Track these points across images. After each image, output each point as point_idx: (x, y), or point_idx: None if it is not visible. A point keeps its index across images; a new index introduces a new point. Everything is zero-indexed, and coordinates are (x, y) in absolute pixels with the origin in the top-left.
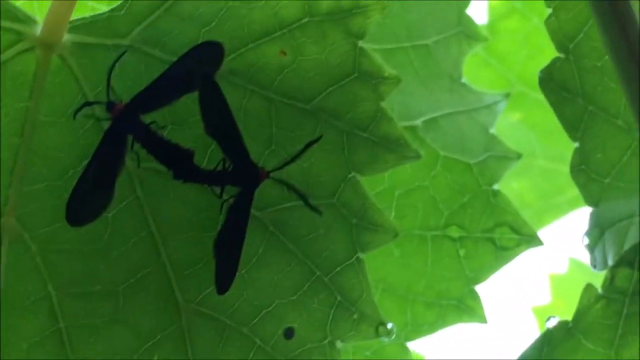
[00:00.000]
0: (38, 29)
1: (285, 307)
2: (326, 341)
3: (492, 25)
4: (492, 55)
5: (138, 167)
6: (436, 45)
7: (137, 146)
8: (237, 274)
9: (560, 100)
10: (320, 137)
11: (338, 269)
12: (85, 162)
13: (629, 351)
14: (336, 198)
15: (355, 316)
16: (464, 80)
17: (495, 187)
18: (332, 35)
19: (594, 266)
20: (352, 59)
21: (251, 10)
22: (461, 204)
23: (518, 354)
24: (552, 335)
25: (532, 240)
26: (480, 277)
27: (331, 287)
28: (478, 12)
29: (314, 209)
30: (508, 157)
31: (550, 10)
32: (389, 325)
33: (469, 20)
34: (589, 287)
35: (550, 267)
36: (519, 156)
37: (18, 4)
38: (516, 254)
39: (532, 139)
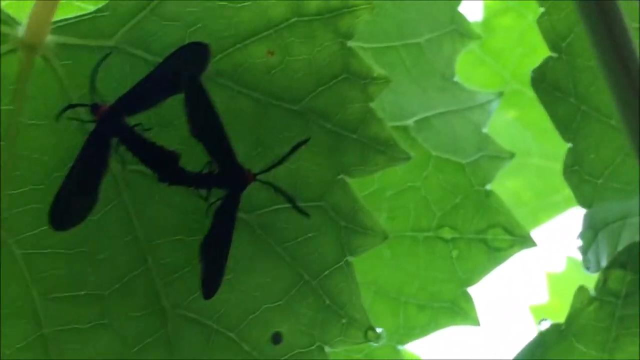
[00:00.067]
0: (21, 30)
1: (272, 312)
2: (314, 346)
3: (487, 23)
4: (487, 53)
5: (123, 170)
6: (428, 43)
7: (122, 148)
8: (224, 278)
9: (553, 100)
10: (309, 138)
11: (326, 272)
12: (69, 165)
13: (622, 354)
14: (325, 200)
15: (344, 320)
16: (456, 79)
17: (488, 187)
18: (321, 35)
19: (587, 268)
20: (341, 60)
21: (238, 11)
22: (453, 204)
23: (512, 356)
24: (544, 337)
25: (526, 241)
26: (473, 278)
27: (319, 291)
28: (473, 10)
29: (301, 211)
30: (501, 157)
31: (542, 10)
32: (378, 330)
33: (462, 18)
34: (581, 289)
35: (548, 266)
36: (512, 156)
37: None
38: (509, 255)
39: (528, 138)
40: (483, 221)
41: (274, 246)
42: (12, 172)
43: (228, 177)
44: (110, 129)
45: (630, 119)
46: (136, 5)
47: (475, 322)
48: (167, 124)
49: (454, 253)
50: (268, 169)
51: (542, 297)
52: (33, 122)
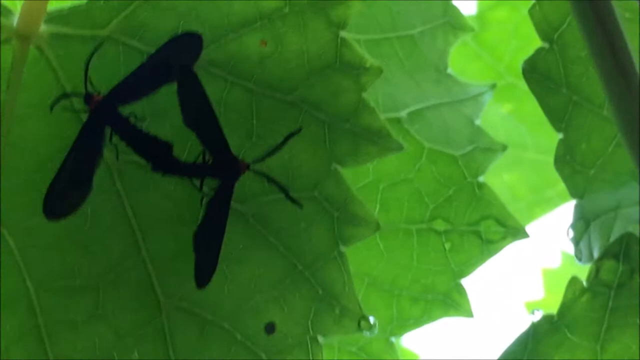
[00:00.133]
0: (14, 20)
1: (266, 302)
2: (308, 336)
3: (481, 16)
4: (481, 46)
5: (117, 160)
6: (422, 35)
7: (115, 138)
8: (218, 268)
9: (545, 91)
10: (301, 128)
11: (320, 262)
12: (63, 155)
13: (614, 345)
14: (317, 191)
15: (337, 310)
16: (449, 71)
17: (481, 179)
18: (314, 25)
19: (579, 259)
20: (334, 50)
21: (231, 1)
22: (447, 196)
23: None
24: (537, 329)
25: (518, 232)
26: (466, 270)
27: (312, 281)
28: (467, 2)
29: (294, 201)
30: (493, 149)
31: (534, 0)
32: (372, 320)
33: (455, 10)
34: (574, 280)
35: (543, 261)
36: (504, 148)
37: None
38: (502, 247)
39: (523, 131)
40: (476, 213)
41: (268, 236)
42: (6, 162)
43: (221, 166)
44: (104, 118)
45: (621, 110)
46: None
47: (469, 314)
48: (160, 113)
49: (447, 245)
50: (261, 159)
51: (537, 293)
52: (27, 111)
